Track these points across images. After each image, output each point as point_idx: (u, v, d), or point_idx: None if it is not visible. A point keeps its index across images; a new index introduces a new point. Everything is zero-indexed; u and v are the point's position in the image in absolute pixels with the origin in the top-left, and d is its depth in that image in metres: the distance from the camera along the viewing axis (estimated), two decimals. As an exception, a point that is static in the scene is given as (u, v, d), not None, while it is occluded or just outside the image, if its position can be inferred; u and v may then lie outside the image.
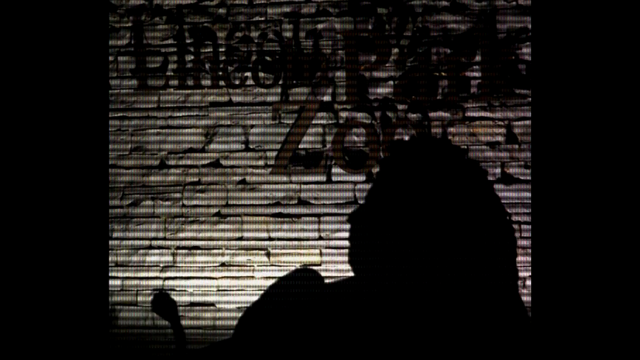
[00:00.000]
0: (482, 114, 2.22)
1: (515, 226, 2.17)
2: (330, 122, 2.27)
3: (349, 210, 2.24)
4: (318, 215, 2.26)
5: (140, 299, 2.33)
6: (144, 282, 2.33)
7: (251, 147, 2.30)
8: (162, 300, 2.26)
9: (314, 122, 2.27)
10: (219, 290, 2.29)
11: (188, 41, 2.34)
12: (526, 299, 2.13)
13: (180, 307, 2.29)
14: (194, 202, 2.32)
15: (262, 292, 2.26)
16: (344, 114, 2.27)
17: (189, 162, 2.33)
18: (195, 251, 2.31)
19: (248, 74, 2.31)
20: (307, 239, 2.26)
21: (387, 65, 2.25)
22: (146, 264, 2.33)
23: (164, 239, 2.32)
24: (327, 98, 2.27)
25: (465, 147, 2.21)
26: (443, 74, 2.23)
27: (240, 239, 2.29)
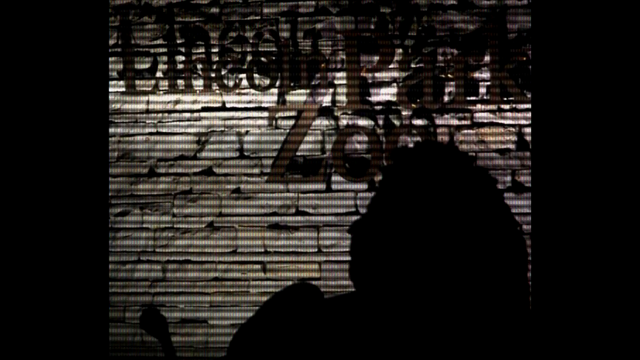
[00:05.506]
0: (492, 118, 2.20)
1: (527, 237, 2.10)
2: (330, 127, 2.26)
3: (349, 221, 2.18)
4: (317, 225, 2.24)
5: (128, 315, 2.29)
6: (132, 298, 2.30)
7: (246, 154, 2.29)
8: (152, 317, 2.18)
9: (312, 127, 2.26)
10: (211, 307, 2.27)
11: (179, 41, 2.34)
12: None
13: (171, 324, 2.23)
14: (186, 212, 2.30)
15: (258, 308, 2.16)
16: (344, 119, 2.25)
17: (179, 170, 2.31)
18: (186, 265, 2.29)
19: (242, 76, 2.30)
20: (306, 252, 2.24)
21: (390, 66, 2.24)
22: (134, 278, 2.31)
23: (154, 251, 2.31)
24: (326, 101, 2.26)
25: (474, 154, 2.20)
26: (450, 76, 2.22)
27: (235, 251, 2.27)
